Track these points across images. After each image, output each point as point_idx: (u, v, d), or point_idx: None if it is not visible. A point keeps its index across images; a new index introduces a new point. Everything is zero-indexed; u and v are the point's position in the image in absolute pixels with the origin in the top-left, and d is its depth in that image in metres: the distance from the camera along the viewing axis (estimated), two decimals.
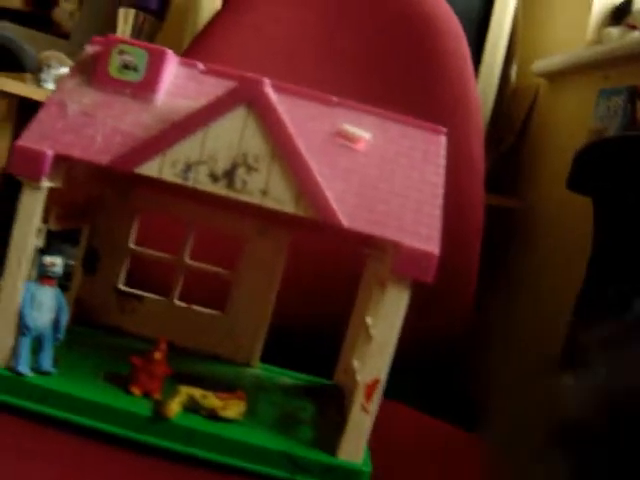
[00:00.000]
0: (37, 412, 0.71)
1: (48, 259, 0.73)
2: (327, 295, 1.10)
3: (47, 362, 0.74)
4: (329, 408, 0.88)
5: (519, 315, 1.63)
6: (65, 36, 2.26)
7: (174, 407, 0.71)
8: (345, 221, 0.70)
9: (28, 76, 1.68)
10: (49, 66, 1.66)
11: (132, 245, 0.97)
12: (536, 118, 1.96)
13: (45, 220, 0.77)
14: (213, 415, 0.73)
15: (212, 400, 0.73)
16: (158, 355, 0.75)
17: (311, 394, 0.92)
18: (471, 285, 1.19)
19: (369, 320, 0.87)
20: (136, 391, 0.75)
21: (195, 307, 0.97)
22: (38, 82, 1.69)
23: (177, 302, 0.97)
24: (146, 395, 0.75)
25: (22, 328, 0.72)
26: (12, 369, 0.72)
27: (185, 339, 0.93)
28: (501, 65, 1.85)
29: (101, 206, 0.95)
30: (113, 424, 0.71)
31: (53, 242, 0.75)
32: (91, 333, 0.93)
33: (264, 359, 0.99)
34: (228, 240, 0.98)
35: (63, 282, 0.84)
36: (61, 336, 0.75)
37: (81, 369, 0.78)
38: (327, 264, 1.10)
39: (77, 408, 0.71)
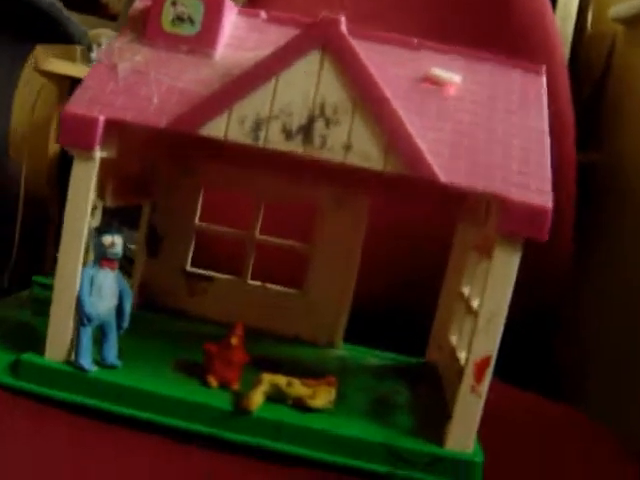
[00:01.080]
0: (104, 410, 0.63)
1: (107, 238, 0.65)
2: (411, 265, 1.01)
3: (112, 354, 0.66)
4: (425, 390, 0.79)
5: (614, 276, 1.51)
6: (113, 18, 2.19)
7: (257, 398, 0.62)
8: (442, 175, 0.60)
9: (78, 56, 1.61)
10: (99, 44, 1.58)
11: (197, 222, 0.89)
12: (614, 66, 1.82)
13: (101, 196, 0.69)
14: (300, 405, 0.65)
15: (299, 388, 0.65)
16: (235, 341, 0.66)
17: (403, 375, 0.83)
18: (567, 248, 1.08)
19: (467, 291, 0.77)
20: (213, 382, 0.66)
21: (270, 286, 0.88)
22: (88, 62, 1.61)
23: (250, 281, 0.89)
24: (223, 386, 0.67)
25: (82, 317, 0.64)
26: (73, 364, 0.64)
27: (260, 320, 0.84)
28: (576, 11, 1.72)
29: (161, 181, 0.86)
30: (190, 420, 0.63)
31: (111, 223, 0.67)
32: (157, 319, 0.85)
33: (347, 339, 0.89)
34: (301, 212, 0.89)
35: (127, 268, 0.76)
36: (126, 324, 0.67)
37: (149, 359, 0.70)
38: (410, 231, 1.01)
39: (149, 404, 0.63)
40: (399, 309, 0.99)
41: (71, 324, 0.65)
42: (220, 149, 0.83)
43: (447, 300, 0.85)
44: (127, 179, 0.76)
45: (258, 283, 0.88)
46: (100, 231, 0.65)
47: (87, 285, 0.64)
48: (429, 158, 0.60)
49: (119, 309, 0.67)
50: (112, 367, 0.66)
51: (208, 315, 0.86)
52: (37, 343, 0.66)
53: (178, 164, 0.85)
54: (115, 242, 0.65)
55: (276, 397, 0.65)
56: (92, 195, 0.63)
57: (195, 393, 0.65)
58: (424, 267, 0.95)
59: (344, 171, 0.82)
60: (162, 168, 0.85)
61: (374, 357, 0.88)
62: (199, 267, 0.90)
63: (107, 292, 0.65)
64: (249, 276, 0.88)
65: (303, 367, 0.78)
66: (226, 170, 0.85)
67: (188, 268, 0.89)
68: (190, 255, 0.89)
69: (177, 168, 0.86)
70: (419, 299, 0.94)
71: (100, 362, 0.66)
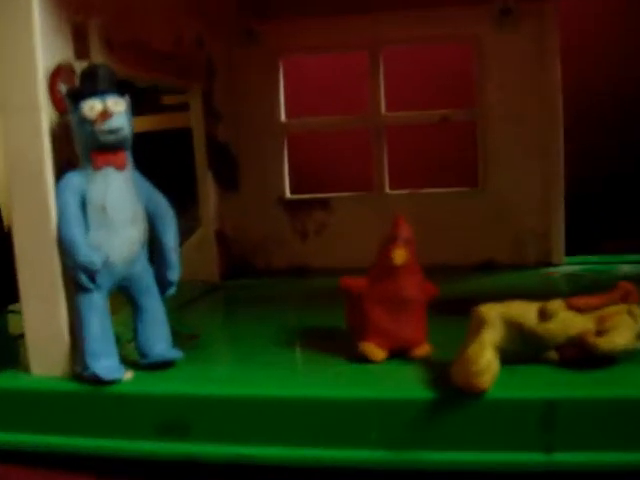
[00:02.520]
0: (156, 459, 0.28)
1: (92, 105, 0.31)
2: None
3: (157, 340, 0.32)
4: None
5: None
6: None
7: (487, 358, 0.26)
8: None
9: None
10: None
11: (284, 118, 0.54)
12: None
13: (79, 52, 0.35)
14: (581, 353, 0.28)
15: (567, 319, 0.28)
16: (400, 253, 0.31)
17: None
18: None
19: None
20: (375, 351, 0.31)
21: (425, 191, 0.53)
22: None
23: (390, 191, 0.53)
24: (398, 354, 0.31)
25: (78, 275, 0.29)
26: (82, 374, 0.30)
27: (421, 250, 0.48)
28: None
29: (214, 59, 0.53)
30: (348, 444, 0.28)
31: (95, 74, 0.32)
32: (254, 285, 0.51)
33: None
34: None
35: None
36: (175, 275, 0.32)
37: (241, 340, 0.37)
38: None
39: (249, 426, 0.29)
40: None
41: (62, 298, 0.30)
42: None
43: None
44: (148, 50, 0.43)
45: (405, 191, 0.53)
46: (76, 96, 0.31)
47: (74, 208, 0.30)
48: None
49: (159, 245, 0.32)
50: (164, 364, 0.31)
51: (334, 264, 0.54)
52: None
53: (235, 28, 0.52)
54: (109, 109, 0.30)
55: (519, 350, 0.29)
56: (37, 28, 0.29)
57: (344, 383, 0.30)
58: None
59: None
60: (210, 38, 0.51)
61: (625, 264, 0.51)
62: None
63: (120, 215, 0.31)
64: (387, 183, 0.53)
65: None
66: (311, 22, 0.53)
67: (289, 195, 0.54)
68: (287, 173, 0.55)
69: (235, 36, 0.52)
70: None
71: (141, 360, 0.32)
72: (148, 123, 0.73)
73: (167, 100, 0.75)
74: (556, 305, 0.29)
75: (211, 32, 0.54)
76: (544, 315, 0.29)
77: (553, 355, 0.30)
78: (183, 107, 0.62)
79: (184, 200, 0.53)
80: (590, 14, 0.58)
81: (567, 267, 0.53)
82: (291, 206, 0.56)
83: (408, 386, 0.29)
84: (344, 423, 0.28)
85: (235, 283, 0.53)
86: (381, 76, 0.53)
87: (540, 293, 0.46)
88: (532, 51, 0.52)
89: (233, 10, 0.55)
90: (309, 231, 0.56)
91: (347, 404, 0.28)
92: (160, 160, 0.35)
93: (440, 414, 0.27)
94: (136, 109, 0.33)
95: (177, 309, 0.34)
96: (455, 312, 0.38)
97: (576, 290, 0.46)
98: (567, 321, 0.29)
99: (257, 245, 0.56)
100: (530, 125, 0.53)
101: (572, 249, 0.54)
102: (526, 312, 0.29)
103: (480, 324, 0.29)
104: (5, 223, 0.63)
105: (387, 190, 0.54)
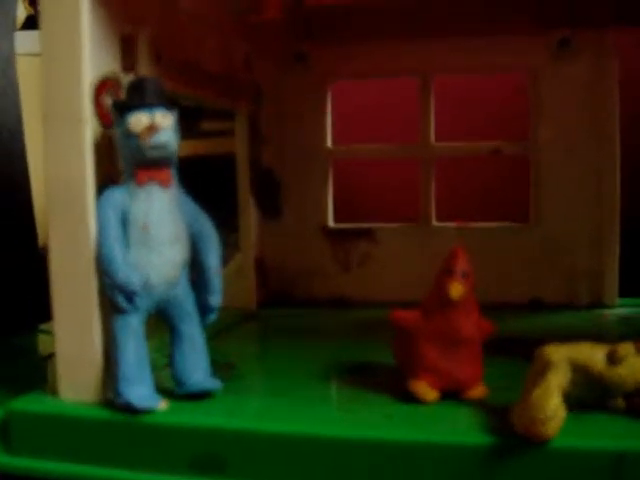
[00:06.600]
0: None
1: (138, 118, 0.29)
2: None
3: (196, 369, 0.31)
4: None
5: None
6: None
7: (553, 405, 0.24)
8: None
9: None
10: None
11: (330, 144, 0.53)
12: None
13: (126, 64, 0.34)
14: None
15: (635, 362, 0.26)
16: (457, 287, 0.29)
17: None
18: None
19: None
20: (427, 392, 0.30)
21: (473, 225, 0.51)
22: None
23: (437, 223, 0.51)
24: (450, 394, 0.29)
25: (115, 296, 0.28)
26: (116, 402, 0.28)
27: None
28: None
29: (262, 80, 0.51)
30: None
31: (143, 88, 0.30)
32: (293, 315, 0.49)
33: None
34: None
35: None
36: (216, 301, 0.31)
37: (280, 373, 0.35)
38: None
39: (293, 465, 0.26)
40: None
41: (97, 319, 0.29)
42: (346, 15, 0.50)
43: None
44: (196, 67, 0.42)
45: (452, 225, 0.51)
46: (122, 108, 0.29)
47: (115, 225, 0.29)
48: None
49: (199, 268, 0.30)
50: (201, 394, 0.29)
51: (376, 298, 0.52)
52: None
53: (284, 51, 0.52)
54: (156, 123, 0.29)
55: (583, 396, 0.27)
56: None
57: (393, 423, 0.28)
58: None
59: None
60: (259, 61, 0.50)
61: None
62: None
63: (162, 234, 0.29)
64: (433, 215, 0.51)
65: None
66: (361, 46, 0.52)
67: (332, 224, 0.53)
68: (331, 201, 0.53)
69: (284, 59, 0.51)
70: None
71: (176, 389, 0.30)
72: (186, 149, 0.72)
73: (206, 126, 0.74)
74: (626, 349, 0.27)
75: (260, 54, 0.53)
76: (613, 359, 0.27)
77: (620, 403, 0.28)
78: (222, 134, 0.61)
79: (220, 229, 0.52)
80: None
81: (620, 309, 0.50)
82: (334, 235, 0.54)
83: (464, 430, 0.27)
84: (393, 467, 0.26)
85: (273, 312, 0.51)
86: (431, 105, 0.52)
87: (593, 336, 0.44)
88: (589, 83, 0.50)
89: (282, 33, 0.53)
90: (352, 262, 0.54)
91: (398, 446, 0.26)
92: (196, 187, 0.34)
93: (499, 462, 0.25)
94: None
95: (212, 336, 0.32)
96: (506, 352, 0.36)
97: (630, 334, 0.44)
98: (637, 367, 0.27)
99: (297, 274, 0.54)
100: (585, 160, 0.50)
101: (626, 290, 0.51)
102: (593, 355, 0.27)
103: (545, 366, 0.27)
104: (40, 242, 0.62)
105: (434, 222, 0.52)
